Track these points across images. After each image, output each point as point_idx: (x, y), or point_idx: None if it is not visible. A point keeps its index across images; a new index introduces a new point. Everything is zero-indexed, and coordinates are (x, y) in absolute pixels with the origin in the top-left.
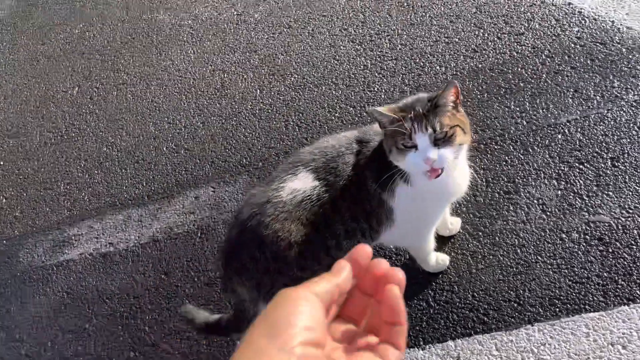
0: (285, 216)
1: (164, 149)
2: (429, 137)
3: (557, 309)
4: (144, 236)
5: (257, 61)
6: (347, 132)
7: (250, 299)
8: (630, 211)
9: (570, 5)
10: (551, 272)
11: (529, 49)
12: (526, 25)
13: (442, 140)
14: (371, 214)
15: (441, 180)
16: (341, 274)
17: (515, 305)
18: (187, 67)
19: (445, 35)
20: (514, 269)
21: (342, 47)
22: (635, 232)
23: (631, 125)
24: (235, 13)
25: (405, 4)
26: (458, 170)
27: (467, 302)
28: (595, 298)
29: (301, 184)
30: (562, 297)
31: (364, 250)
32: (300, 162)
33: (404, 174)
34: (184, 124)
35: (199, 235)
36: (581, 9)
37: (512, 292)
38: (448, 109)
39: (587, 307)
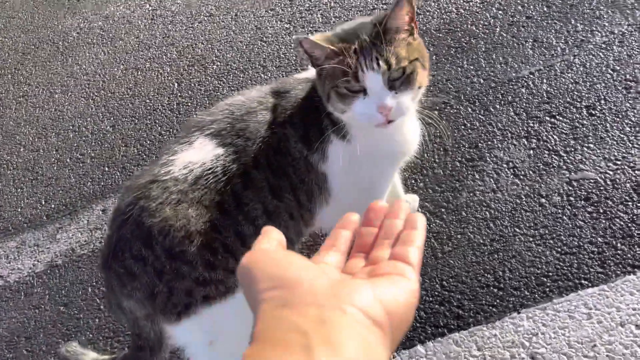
0: (179, 198)
1: (67, 160)
2: (382, 76)
3: (547, 289)
4: (41, 263)
5: (174, 54)
6: (261, 86)
7: (144, 315)
8: (618, 162)
9: None
10: (534, 245)
11: (477, 4)
12: None
13: (399, 80)
14: (298, 186)
15: (388, 135)
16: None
17: (495, 290)
18: (96, 70)
19: (383, 2)
20: (489, 247)
21: (269, 28)
22: (628, 185)
23: (603, 68)
24: (149, 9)
25: None
26: (407, 124)
27: (436, 293)
28: (592, 270)
29: (199, 154)
30: (551, 274)
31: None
32: (196, 126)
33: (340, 128)
34: (91, 130)
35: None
36: None
37: (489, 275)
38: (402, 35)
39: (583, 282)
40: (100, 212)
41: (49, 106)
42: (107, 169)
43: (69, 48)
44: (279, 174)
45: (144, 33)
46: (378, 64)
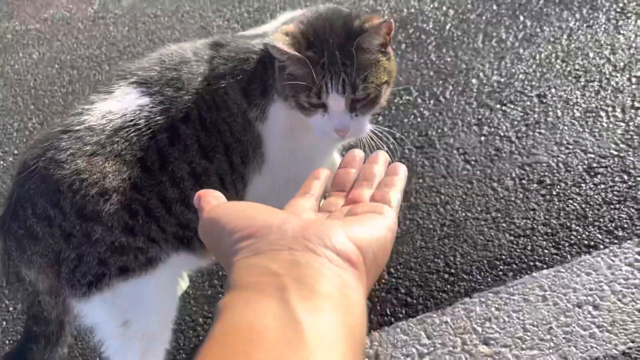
0: (95, 149)
1: None
2: (345, 99)
3: (501, 272)
4: None
5: (115, 53)
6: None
7: (47, 289)
8: (570, 146)
9: None
10: (486, 229)
11: (428, 3)
12: None
13: (361, 102)
14: (233, 146)
15: None
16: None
17: (446, 276)
18: (28, 69)
19: (335, 1)
20: (439, 232)
21: (215, 28)
22: (581, 168)
23: (553, 60)
24: (91, 11)
25: None
26: None
27: (382, 281)
28: (547, 251)
29: (119, 104)
30: (504, 257)
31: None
32: (119, 74)
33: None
34: (17, 128)
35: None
36: None
37: (439, 261)
38: (375, 56)
39: (537, 263)
40: None
41: None
42: None
43: (2, 49)
44: (212, 132)
45: (83, 34)
46: (344, 88)
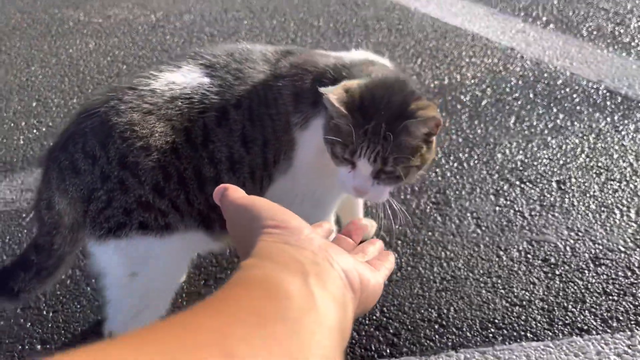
0: (151, 109)
1: (22, 124)
2: (372, 168)
3: (490, 334)
4: None
5: (166, 59)
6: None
7: (70, 224)
8: (580, 234)
9: (513, 51)
10: (484, 291)
11: (469, 79)
12: (467, 60)
13: (387, 175)
14: (271, 142)
15: None
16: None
17: (436, 326)
18: (82, 56)
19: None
20: (438, 285)
21: None
22: (587, 256)
23: (577, 153)
24: (153, 19)
25: (341, 30)
26: None
27: (374, 318)
28: (540, 325)
29: (183, 78)
30: (496, 321)
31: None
32: (191, 55)
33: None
34: (57, 104)
35: (31, 215)
36: (523, 54)
37: (432, 311)
38: (416, 142)
39: (529, 334)
40: (39, 176)
41: (21, 75)
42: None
43: (61, 33)
44: (256, 124)
45: (140, 37)
46: (375, 159)
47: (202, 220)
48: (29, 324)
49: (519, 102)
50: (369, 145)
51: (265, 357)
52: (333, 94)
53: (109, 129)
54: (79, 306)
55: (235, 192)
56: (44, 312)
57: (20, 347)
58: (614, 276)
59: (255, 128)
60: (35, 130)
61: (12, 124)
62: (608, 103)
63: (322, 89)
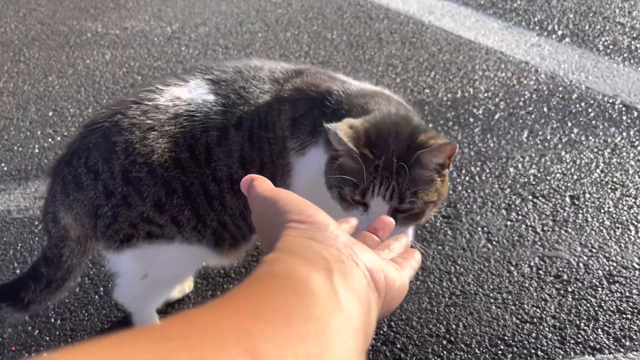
0: (153, 125)
1: (38, 133)
2: (388, 207)
3: (500, 351)
4: None
5: (180, 70)
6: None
7: (77, 236)
8: (594, 250)
9: (527, 64)
10: (494, 307)
11: (482, 92)
12: (480, 73)
13: (404, 214)
14: (267, 166)
15: None
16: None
17: (444, 342)
18: (98, 66)
19: (395, 72)
20: (447, 300)
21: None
22: (601, 272)
23: (592, 167)
24: (169, 30)
25: (355, 43)
26: None
27: (381, 332)
28: (551, 343)
29: (189, 93)
30: (506, 338)
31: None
32: (200, 69)
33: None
34: (73, 113)
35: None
36: (537, 68)
37: (440, 326)
38: (430, 174)
39: (539, 353)
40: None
41: (39, 85)
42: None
43: (79, 44)
44: (255, 146)
45: (156, 48)
46: (391, 196)
47: (214, 238)
48: (37, 331)
49: (533, 116)
50: (382, 181)
51: (290, 358)
52: (339, 128)
53: (112, 144)
54: (87, 314)
55: (262, 184)
56: (52, 320)
57: (27, 354)
58: (627, 294)
59: (254, 150)
60: (50, 140)
61: (29, 133)
62: (624, 118)
63: (327, 125)
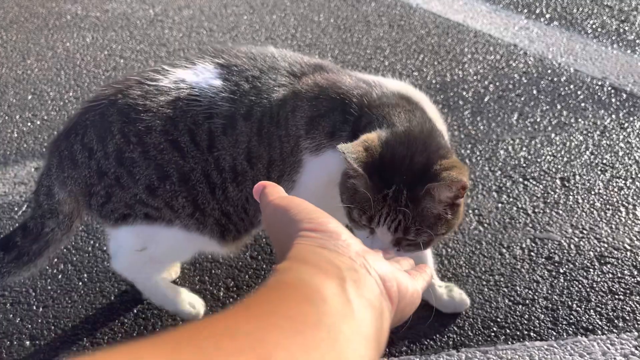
0: (153, 106)
1: (17, 117)
2: (392, 237)
3: (493, 333)
4: None
5: (164, 53)
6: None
7: (70, 212)
8: (585, 232)
9: (516, 47)
10: (486, 290)
11: (471, 75)
12: (469, 56)
13: (408, 243)
14: (277, 163)
15: None
16: None
17: (436, 324)
18: (78, 49)
19: (383, 55)
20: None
21: None
22: (592, 254)
23: (582, 150)
24: (152, 13)
25: (342, 26)
26: None
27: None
28: (543, 324)
29: (194, 76)
30: (499, 320)
31: None
32: (211, 52)
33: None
34: (53, 97)
35: (23, 208)
36: (526, 51)
37: (433, 309)
38: (440, 208)
39: (532, 334)
40: (32, 170)
41: (17, 68)
42: (56, 133)
43: (58, 27)
44: (264, 141)
45: (139, 30)
46: (396, 229)
47: (218, 228)
48: (19, 319)
49: (522, 99)
50: (389, 213)
51: None
52: (352, 152)
53: (109, 123)
54: (70, 301)
55: (274, 191)
56: (34, 307)
57: (8, 343)
58: (619, 275)
59: (262, 145)
60: (29, 124)
61: (7, 117)
62: (613, 100)
63: (340, 148)
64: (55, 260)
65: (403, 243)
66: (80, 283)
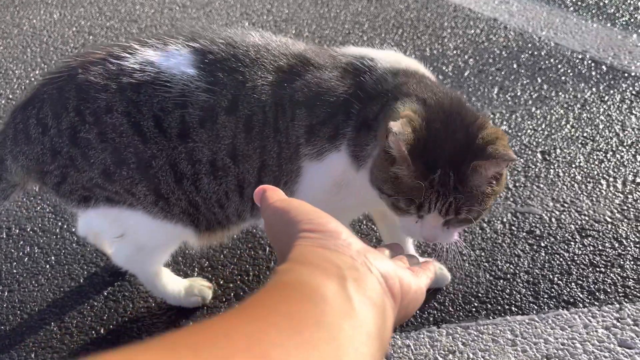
0: (114, 87)
1: None
2: (443, 220)
3: (474, 308)
4: None
5: (135, 29)
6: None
7: (13, 183)
8: (566, 205)
9: (496, 21)
10: (467, 265)
11: (451, 50)
12: (449, 31)
13: (458, 221)
14: (272, 168)
15: None
16: None
17: None
18: (45, 26)
19: (361, 30)
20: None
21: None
22: (573, 227)
23: (563, 123)
24: None
25: (319, 1)
26: None
27: None
28: (525, 298)
29: (164, 61)
30: (480, 295)
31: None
32: (187, 34)
33: (360, 147)
34: (18, 75)
35: None
36: (506, 25)
37: None
38: (487, 183)
39: (513, 308)
40: None
41: None
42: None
43: (25, 3)
44: (255, 142)
45: (108, 7)
46: (447, 212)
47: (188, 219)
48: None
49: (503, 73)
50: (439, 197)
51: None
52: (401, 134)
53: (65, 99)
54: (36, 285)
55: (274, 194)
56: None
57: None
58: (600, 248)
59: (251, 146)
60: None
61: None
62: (593, 73)
63: (391, 126)
64: (21, 242)
65: (453, 221)
66: (48, 266)
